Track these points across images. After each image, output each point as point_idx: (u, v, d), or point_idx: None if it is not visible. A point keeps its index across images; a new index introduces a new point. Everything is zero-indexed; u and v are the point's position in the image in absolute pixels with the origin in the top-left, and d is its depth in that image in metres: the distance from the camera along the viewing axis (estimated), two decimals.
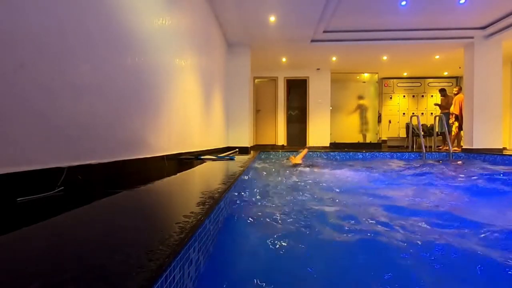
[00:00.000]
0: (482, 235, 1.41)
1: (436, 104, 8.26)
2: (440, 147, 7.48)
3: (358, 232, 1.36)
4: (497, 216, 1.83)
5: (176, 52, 3.09)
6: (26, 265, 0.60)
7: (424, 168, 4.51)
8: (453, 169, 4.46)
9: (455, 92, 7.60)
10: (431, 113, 9.92)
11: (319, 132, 9.42)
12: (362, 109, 10.09)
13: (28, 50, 1.22)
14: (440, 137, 7.77)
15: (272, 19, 5.46)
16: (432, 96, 10.26)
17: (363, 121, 10.13)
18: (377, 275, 1.03)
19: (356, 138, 10.17)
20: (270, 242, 1.19)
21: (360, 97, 10.03)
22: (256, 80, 9.52)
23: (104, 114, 1.77)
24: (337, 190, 2.61)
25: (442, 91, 8.06)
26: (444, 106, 7.84)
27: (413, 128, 7.83)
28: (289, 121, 9.66)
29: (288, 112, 9.64)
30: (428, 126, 8.69)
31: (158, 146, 2.58)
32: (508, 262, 1.07)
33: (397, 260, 1.12)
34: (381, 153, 6.69)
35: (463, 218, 1.79)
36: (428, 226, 1.54)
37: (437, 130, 7.37)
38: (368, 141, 10.02)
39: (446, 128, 6.87)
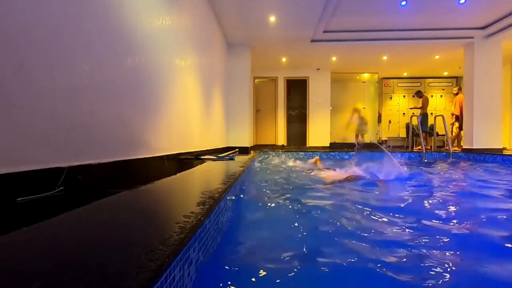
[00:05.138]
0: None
1: (414, 108, 8.32)
2: (420, 147, 7.43)
3: None
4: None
5: (176, 52, 3.09)
6: (26, 265, 0.60)
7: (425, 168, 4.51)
8: (452, 169, 4.46)
9: (455, 92, 7.63)
10: (431, 113, 9.93)
11: (319, 132, 9.43)
12: (361, 109, 10.08)
13: (28, 50, 1.22)
14: (443, 137, 7.81)
15: (272, 19, 5.46)
16: (432, 96, 10.26)
17: (363, 121, 10.13)
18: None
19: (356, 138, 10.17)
20: None
21: (360, 98, 10.04)
22: (256, 80, 9.52)
23: (104, 114, 1.77)
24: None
25: (419, 93, 8.20)
26: (423, 107, 7.94)
27: (413, 128, 7.83)
28: (289, 121, 9.66)
29: (288, 112, 9.64)
30: (428, 126, 8.70)
31: (158, 146, 2.58)
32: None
33: None
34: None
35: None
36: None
37: (418, 129, 7.40)
38: (368, 141, 10.02)
39: (421, 128, 6.93)
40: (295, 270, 1.00)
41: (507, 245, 1.28)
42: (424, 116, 7.67)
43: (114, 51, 1.87)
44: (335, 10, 5.29)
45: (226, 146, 6.52)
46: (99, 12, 1.71)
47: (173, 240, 0.72)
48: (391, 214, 1.69)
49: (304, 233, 1.38)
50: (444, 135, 7.73)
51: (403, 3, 5.05)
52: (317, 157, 4.77)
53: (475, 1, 5.05)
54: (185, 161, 3.23)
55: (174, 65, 3.03)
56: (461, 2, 5.02)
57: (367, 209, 1.79)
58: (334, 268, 1.02)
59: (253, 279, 0.95)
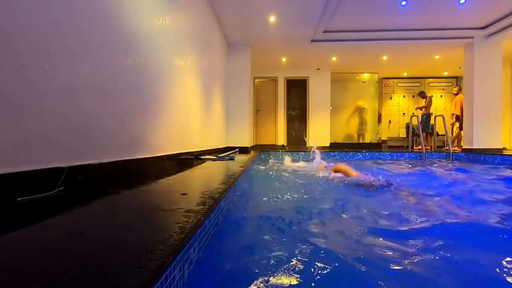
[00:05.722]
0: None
1: (419, 108, 8.33)
2: (420, 147, 7.40)
3: None
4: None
5: (176, 52, 3.09)
6: (26, 265, 0.60)
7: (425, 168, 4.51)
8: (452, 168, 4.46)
9: (455, 92, 7.64)
10: (431, 113, 9.97)
11: (319, 132, 9.42)
12: (361, 109, 10.09)
13: (28, 50, 1.22)
14: (442, 137, 7.81)
15: (272, 19, 5.46)
16: (432, 96, 10.26)
17: (363, 121, 10.13)
18: None
19: (356, 138, 10.18)
20: None
21: (360, 98, 10.05)
22: (256, 80, 9.52)
23: (104, 114, 1.77)
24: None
25: (422, 93, 8.25)
26: (426, 107, 7.98)
27: (413, 128, 7.83)
28: (289, 121, 9.66)
29: (288, 112, 9.64)
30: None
31: (158, 146, 2.58)
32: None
33: None
34: (381, 153, 6.69)
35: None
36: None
37: (418, 130, 7.38)
38: (368, 141, 10.02)
39: (422, 129, 6.93)
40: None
41: None
42: (427, 116, 7.72)
43: (114, 51, 1.87)
44: (335, 10, 5.29)
45: (226, 146, 6.52)
46: (99, 12, 1.71)
47: (173, 240, 0.72)
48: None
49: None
50: (444, 135, 7.73)
51: (403, 3, 5.05)
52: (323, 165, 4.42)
53: (475, 1, 5.05)
54: (185, 161, 3.23)
55: (174, 65, 3.03)
56: (461, 2, 5.02)
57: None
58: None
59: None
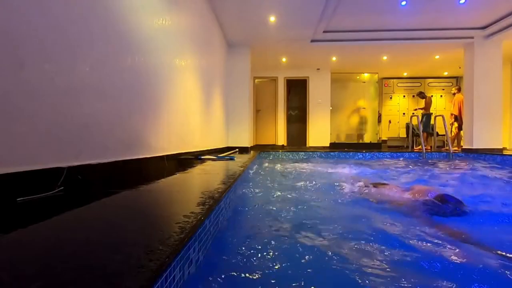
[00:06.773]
0: None
1: (419, 109, 8.28)
2: (420, 147, 7.37)
3: None
4: None
5: (176, 52, 3.09)
6: (26, 265, 0.60)
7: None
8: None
9: (453, 92, 7.65)
10: (431, 113, 9.96)
11: (319, 132, 9.42)
12: (361, 110, 10.09)
13: (28, 50, 1.22)
14: (442, 137, 7.81)
15: (272, 19, 5.46)
16: (432, 96, 10.26)
17: (363, 121, 10.13)
18: None
19: (356, 138, 10.17)
20: None
21: (360, 98, 10.04)
22: (256, 80, 9.51)
23: (104, 114, 1.77)
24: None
25: (421, 94, 8.26)
26: (426, 107, 8.01)
27: (413, 128, 7.83)
28: (289, 121, 9.66)
29: (288, 112, 9.64)
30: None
31: (158, 146, 2.58)
32: None
33: None
34: (381, 153, 6.69)
35: None
36: None
37: (418, 130, 7.34)
38: (368, 141, 10.02)
39: (420, 130, 6.93)
40: None
41: None
42: (427, 117, 7.72)
43: (114, 51, 1.87)
44: (335, 10, 5.29)
45: (226, 146, 6.52)
46: (100, 12, 1.71)
47: (173, 240, 0.72)
48: None
49: None
50: (444, 135, 7.74)
51: (403, 3, 5.05)
52: None
53: (475, 1, 5.05)
54: (185, 161, 3.23)
55: (174, 65, 3.03)
56: (461, 2, 5.02)
57: None
58: None
59: None
